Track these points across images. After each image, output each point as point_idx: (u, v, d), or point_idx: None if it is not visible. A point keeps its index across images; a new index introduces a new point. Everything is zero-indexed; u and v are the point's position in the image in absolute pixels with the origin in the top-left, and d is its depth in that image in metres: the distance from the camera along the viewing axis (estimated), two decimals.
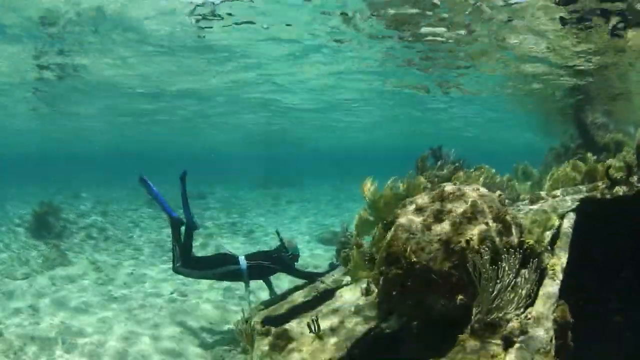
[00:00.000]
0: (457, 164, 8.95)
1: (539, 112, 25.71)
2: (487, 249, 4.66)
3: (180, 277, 11.18)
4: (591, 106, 19.33)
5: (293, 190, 39.35)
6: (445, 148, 9.91)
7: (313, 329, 6.21)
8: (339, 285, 8.03)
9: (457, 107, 27.25)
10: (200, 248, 17.73)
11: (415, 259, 4.90)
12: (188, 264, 9.42)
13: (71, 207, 24.94)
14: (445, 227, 4.97)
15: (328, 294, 7.83)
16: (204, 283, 12.88)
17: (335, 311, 6.98)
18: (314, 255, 17.46)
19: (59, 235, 18.89)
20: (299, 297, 8.33)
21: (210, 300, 12.19)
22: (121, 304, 11.87)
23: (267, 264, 9.50)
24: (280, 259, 9.51)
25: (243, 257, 9.54)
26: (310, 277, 9.12)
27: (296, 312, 7.65)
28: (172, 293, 12.75)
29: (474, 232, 4.87)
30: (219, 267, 9.44)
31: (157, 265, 15.70)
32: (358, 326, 6.35)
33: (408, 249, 4.98)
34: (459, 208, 5.07)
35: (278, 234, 9.87)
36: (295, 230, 22.60)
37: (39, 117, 31.08)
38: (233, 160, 69.52)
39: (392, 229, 5.33)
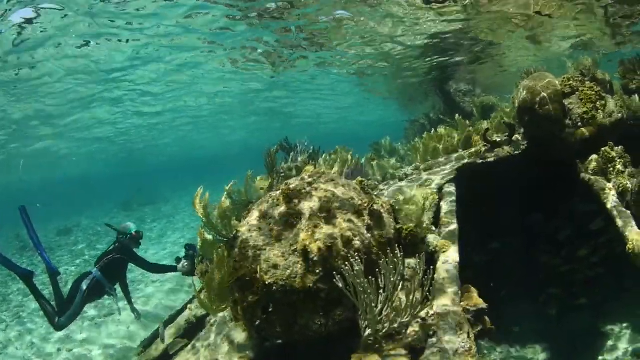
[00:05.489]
0: (311, 153, 8.07)
1: (401, 89, 25.71)
2: (356, 252, 3.74)
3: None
4: (455, 75, 19.40)
5: (156, 208, 38.22)
6: (301, 138, 8.93)
7: None
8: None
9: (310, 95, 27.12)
10: None
11: (270, 280, 3.84)
12: (63, 312, 8.85)
13: None
14: (298, 233, 3.93)
15: (200, 323, 6.98)
16: (91, 332, 12.71)
17: (209, 346, 5.97)
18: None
19: None
20: (173, 332, 7.42)
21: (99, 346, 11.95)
22: None
23: (112, 256, 9.05)
24: (122, 246, 9.08)
25: (93, 267, 9.16)
26: (159, 271, 9.00)
27: (174, 350, 6.80)
28: (59, 350, 12.36)
29: (335, 233, 3.86)
30: (79, 289, 8.91)
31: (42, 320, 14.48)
32: None
33: (259, 269, 3.91)
34: (312, 207, 4.05)
35: (108, 225, 9.53)
36: (166, 249, 21.87)
37: None
38: (92, 184, 66.73)
39: (236, 246, 4.25)
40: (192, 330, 6.88)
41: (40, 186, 64.02)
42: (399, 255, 3.69)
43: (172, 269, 8.51)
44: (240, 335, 5.44)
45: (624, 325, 7.68)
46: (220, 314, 6.14)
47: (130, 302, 9.41)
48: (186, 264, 8.08)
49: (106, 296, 9.40)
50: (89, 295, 8.96)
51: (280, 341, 4.63)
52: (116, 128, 30.48)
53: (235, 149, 63.07)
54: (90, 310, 14.07)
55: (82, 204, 47.13)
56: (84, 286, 8.86)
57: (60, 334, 12.53)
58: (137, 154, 49.14)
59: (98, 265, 9.06)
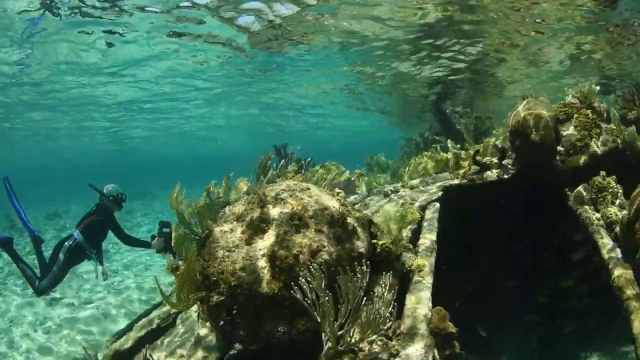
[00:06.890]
0: (302, 162, 8.13)
1: (400, 107, 25.79)
2: (323, 263, 3.70)
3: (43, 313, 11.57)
4: (453, 96, 19.43)
5: (144, 202, 38.13)
6: (294, 146, 9.11)
7: None
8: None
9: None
10: None
11: (235, 282, 3.83)
12: (44, 276, 9.04)
13: None
14: (269, 239, 3.94)
15: (173, 319, 6.94)
16: (64, 315, 12.87)
17: (176, 343, 5.93)
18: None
19: None
20: (146, 326, 7.32)
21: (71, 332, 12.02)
22: None
23: (93, 218, 9.26)
24: (104, 208, 9.31)
25: (75, 230, 9.33)
26: (132, 244, 9.24)
27: (142, 344, 6.66)
28: (35, 331, 12.30)
29: (303, 242, 3.84)
30: (59, 253, 9.09)
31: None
32: None
33: (225, 270, 3.91)
34: (285, 214, 4.04)
35: (92, 186, 9.51)
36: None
37: None
38: (83, 173, 66.82)
39: (207, 245, 4.28)
40: (164, 326, 6.82)
41: (31, 170, 64.01)
42: (365, 270, 3.63)
43: (146, 244, 8.75)
44: (209, 335, 5.38)
45: (610, 356, 7.50)
46: (192, 311, 6.10)
47: (101, 263, 9.46)
48: (159, 240, 8.27)
49: (86, 260, 9.47)
50: (69, 259, 9.09)
51: (252, 347, 4.56)
52: (112, 119, 30.78)
53: (237, 151, 63.22)
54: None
55: (72, 190, 47.30)
56: (65, 249, 9.01)
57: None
58: (132, 148, 49.55)
59: (79, 227, 9.17)
